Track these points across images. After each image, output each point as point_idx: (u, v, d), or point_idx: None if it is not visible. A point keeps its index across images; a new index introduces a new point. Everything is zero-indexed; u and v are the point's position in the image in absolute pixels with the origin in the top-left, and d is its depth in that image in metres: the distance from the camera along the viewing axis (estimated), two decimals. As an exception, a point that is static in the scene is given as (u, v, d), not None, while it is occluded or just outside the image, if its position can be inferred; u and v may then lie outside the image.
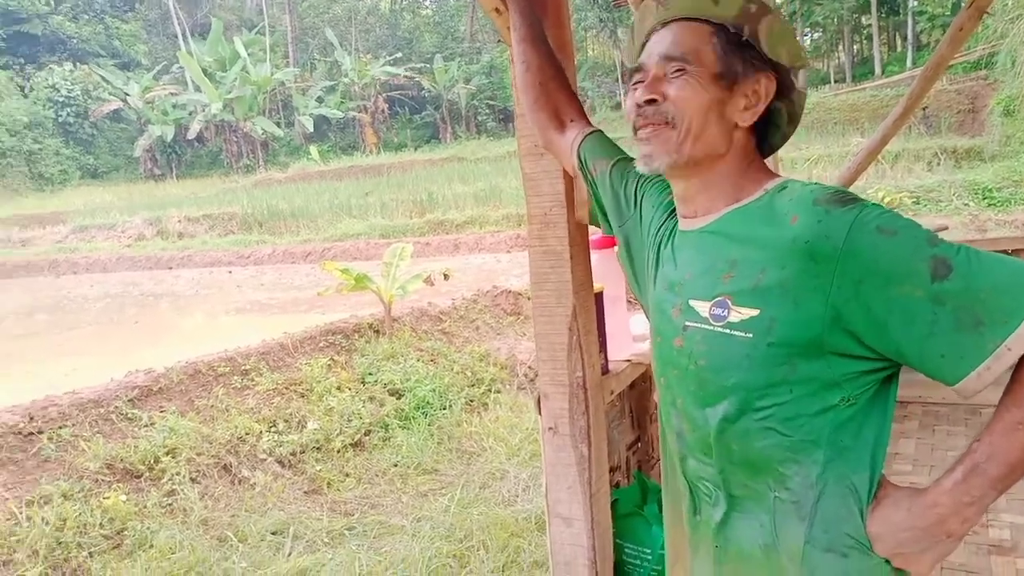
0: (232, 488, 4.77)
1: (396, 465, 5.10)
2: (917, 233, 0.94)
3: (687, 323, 1.12)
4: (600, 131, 1.51)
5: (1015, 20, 14.73)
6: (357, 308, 7.82)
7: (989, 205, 12.85)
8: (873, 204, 0.98)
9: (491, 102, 40.60)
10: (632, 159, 1.43)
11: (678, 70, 1.11)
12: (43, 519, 3.98)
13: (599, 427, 2.18)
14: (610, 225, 1.49)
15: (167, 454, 4.70)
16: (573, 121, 1.54)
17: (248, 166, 36.27)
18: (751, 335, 1.02)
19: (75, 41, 41.21)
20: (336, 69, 40.48)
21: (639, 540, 2.32)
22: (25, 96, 38.18)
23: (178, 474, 4.59)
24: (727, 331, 1.05)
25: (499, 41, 42.76)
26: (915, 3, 28.44)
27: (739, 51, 1.11)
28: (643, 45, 1.20)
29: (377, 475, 4.99)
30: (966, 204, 12.99)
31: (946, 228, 6.94)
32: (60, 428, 4.67)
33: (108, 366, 6.64)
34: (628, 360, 2.44)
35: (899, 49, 31.88)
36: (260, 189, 26.29)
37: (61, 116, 37.72)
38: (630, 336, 2.49)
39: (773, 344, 1.00)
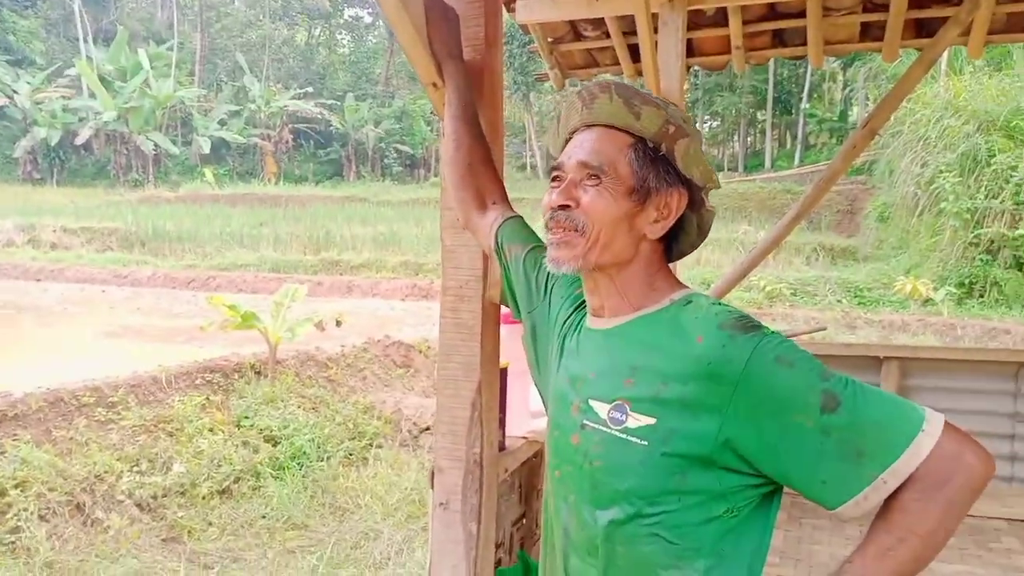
0: (84, 529, 4.43)
1: (264, 517, 4.88)
2: (812, 367, 0.99)
3: (585, 422, 1.12)
4: (519, 217, 1.53)
5: (896, 135, 16.05)
6: (239, 345, 7.52)
7: (860, 304, 13.76)
8: (773, 333, 1.03)
9: (399, 146, 40.70)
10: (543, 247, 1.42)
11: (593, 177, 1.14)
12: None
13: (490, 505, 2.15)
14: (518, 309, 1.50)
15: (16, 487, 4.33)
16: (495, 204, 1.56)
17: (137, 180, 34.76)
18: (646, 443, 1.04)
19: (-35, 30, 38.78)
20: (243, 94, 39.67)
21: (519, 622, 2.29)
22: (-102, 79, 35.45)
23: (26, 509, 4.24)
24: (624, 436, 1.07)
25: (412, 88, 43.17)
26: (807, 106, 30.64)
27: (654, 165, 1.15)
28: (566, 140, 1.23)
29: (243, 526, 4.75)
30: (839, 301, 13.86)
31: (824, 328, 7.36)
32: None
33: (-45, 383, 6.11)
34: (524, 437, 2.44)
35: (788, 146, 34.11)
36: (146, 206, 25.19)
37: (-62, 105, 35.19)
38: (528, 412, 2.50)
39: (667, 454, 1.03)
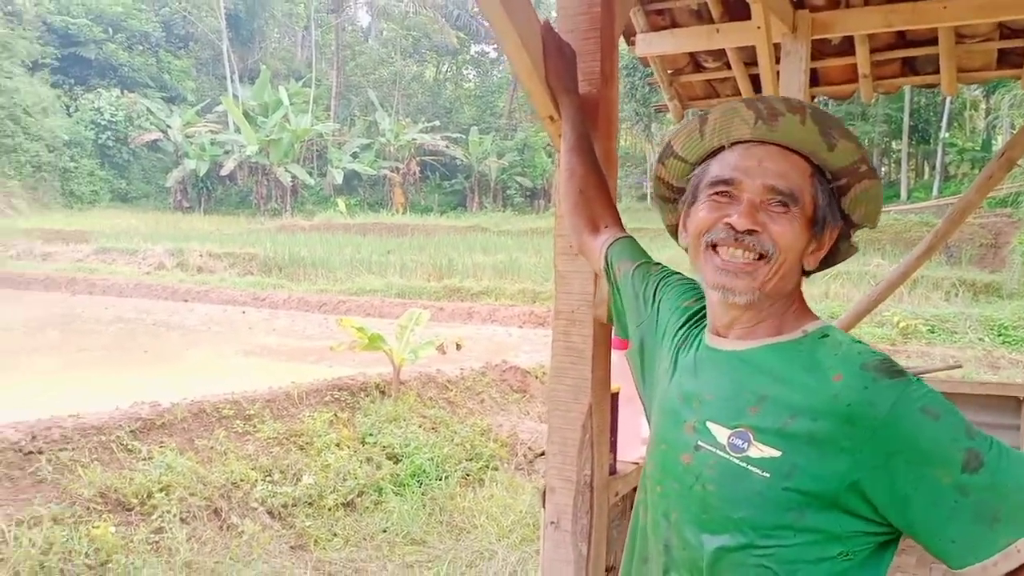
0: (220, 533, 4.74)
1: (385, 531, 5.07)
2: (957, 421, 0.97)
3: (700, 443, 1.11)
4: (630, 237, 1.58)
5: (1043, 165, 15.00)
6: (365, 365, 7.85)
7: (1004, 342, 12.84)
8: (918, 380, 1.00)
9: (520, 178, 41.33)
10: (653, 263, 1.49)
11: (782, 204, 1.10)
12: (30, 540, 3.97)
13: (601, 527, 2.19)
14: (624, 327, 1.53)
15: (161, 490, 4.70)
16: (607, 227, 1.61)
17: (275, 210, 36.83)
18: (768, 475, 1.03)
19: (126, 69, 42.47)
20: (374, 128, 41.43)
21: (626, 645, 2.29)
22: (69, 115, 39.15)
23: (169, 512, 4.59)
24: (743, 464, 1.05)
25: (534, 121, 43.76)
26: (946, 135, 29.01)
27: (828, 199, 1.12)
28: (717, 150, 1.17)
29: (365, 539, 4.96)
30: (980, 339, 12.98)
31: (960, 366, 6.95)
32: (60, 451, 4.70)
33: (113, 392, 6.70)
34: (636, 463, 2.47)
35: (926, 176, 32.39)
36: (284, 234, 26.66)
37: (101, 139, 38.60)
38: (640, 438, 2.52)
39: (789, 489, 1.01)
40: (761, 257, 1.09)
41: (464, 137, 41.25)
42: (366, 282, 17.27)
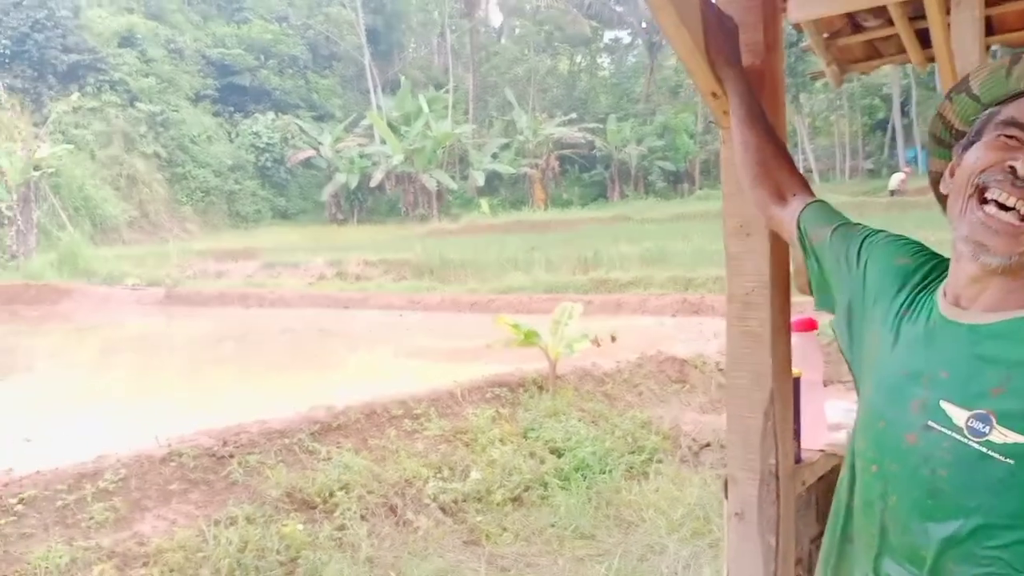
0: (397, 529, 4.92)
1: (553, 525, 5.08)
2: None
3: (931, 423, 1.03)
4: (822, 201, 1.49)
5: None
6: (521, 361, 7.92)
7: None
8: None
9: (662, 163, 40.65)
10: (853, 223, 1.41)
11: None
12: (227, 539, 4.26)
13: (788, 518, 2.09)
14: (825, 295, 1.44)
15: (341, 489, 4.93)
16: (795, 195, 1.53)
17: (423, 215, 38.08)
18: (1013, 462, 0.95)
19: (278, 93, 45.36)
20: (512, 127, 41.99)
21: (823, 641, 2.17)
22: (231, 141, 42.24)
23: (349, 510, 4.80)
24: (984, 450, 0.97)
25: (673, 103, 42.91)
26: None
27: None
28: (1019, 94, 1.08)
29: (534, 533, 5.00)
30: None
31: None
32: (248, 454, 5.03)
33: (289, 397, 7.12)
34: (821, 450, 2.34)
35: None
36: (432, 238, 27.51)
37: (260, 161, 41.38)
38: (825, 425, 2.38)
39: None
40: None
41: (602, 127, 41.03)
42: (514, 280, 17.50)
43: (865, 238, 1.34)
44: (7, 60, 36.09)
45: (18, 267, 23.34)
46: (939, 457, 1.01)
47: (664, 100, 44.96)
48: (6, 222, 25.39)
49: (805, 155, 35.48)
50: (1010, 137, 1.05)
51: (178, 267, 21.93)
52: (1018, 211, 1.00)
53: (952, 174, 1.12)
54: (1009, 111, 1.06)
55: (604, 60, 53.29)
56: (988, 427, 0.97)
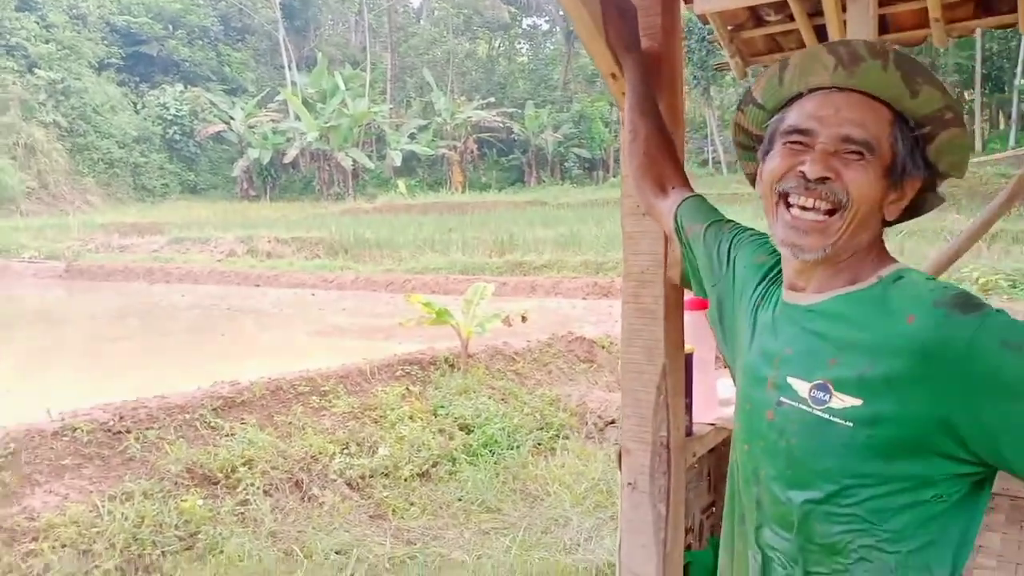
0: (302, 504, 4.90)
1: (460, 500, 5.16)
2: None
3: (782, 399, 1.11)
4: (699, 196, 1.55)
5: None
6: (433, 341, 7.96)
7: (1092, 295, 12.26)
8: (996, 312, 0.97)
9: (578, 150, 41.05)
10: (725, 220, 1.47)
11: (856, 153, 1.06)
12: (123, 515, 4.17)
13: (679, 488, 2.18)
14: (701, 286, 1.51)
15: (244, 464, 4.87)
16: (675, 188, 1.58)
17: (338, 194, 37.43)
18: (851, 424, 1.02)
19: (188, 65, 43.67)
20: (430, 108, 41.62)
21: (708, 606, 2.30)
22: (137, 112, 40.49)
23: (252, 485, 4.75)
24: (826, 416, 1.05)
25: (589, 92, 43.35)
26: (1021, 82, 27.64)
27: (910, 148, 1.08)
28: (796, 96, 1.14)
29: (441, 507, 5.05)
30: (1067, 293, 12.43)
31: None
32: (147, 429, 4.91)
33: (193, 374, 6.96)
34: (712, 424, 2.45)
35: (1002, 127, 30.95)
36: (348, 217, 27.09)
37: (168, 133, 39.86)
38: (716, 399, 2.50)
39: (873, 437, 1.01)
40: (832, 211, 1.07)
41: (520, 112, 41.11)
42: (430, 261, 17.46)
43: (734, 237, 1.41)
44: None
45: None
46: (791, 428, 1.09)
47: (581, 88, 45.33)
48: None
49: (715, 146, 36.45)
50: (794, 143, 1.10)
51: (79, 240, 20.96)
52: (819, 209, 1.07)
53: (761, 178, 1.19)
54: (789, 118, 1.13)
55: (523, 46, 53.31)
56: (828, 395, 1.05)
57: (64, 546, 3.80)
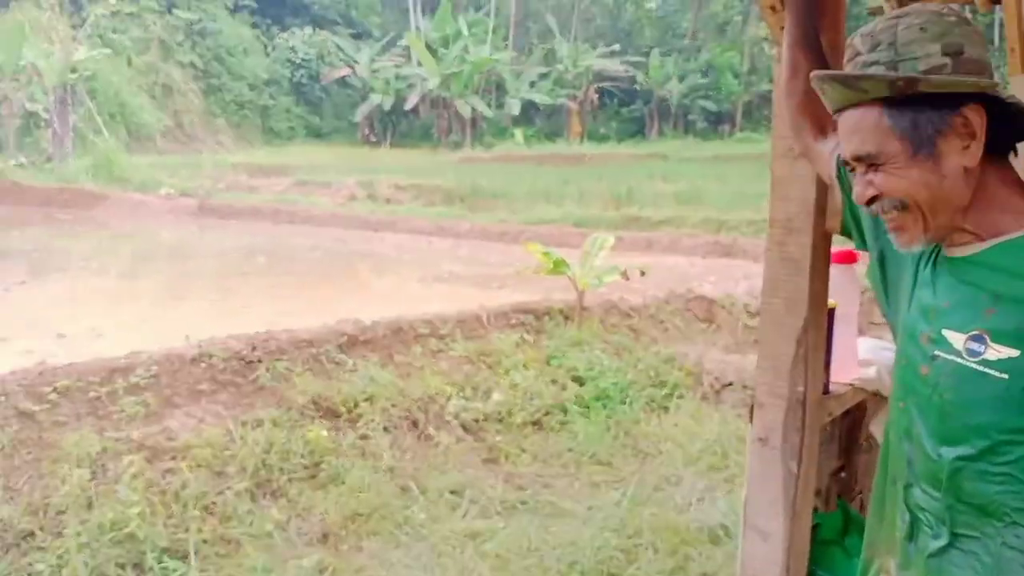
0: (418, 443, 5.03)
1: (571, 450, 5.17)
2: None
3: (937, 352, 1.10)
4: None
5: None
6: (547, 292, 7.94)
7: None
8: None
9: (704, 102, 39.74)
10: None
11: (872, 166, 1.12)
12: (253, 440, 4.38)
13: (812, 447, 2.09)
14: (862, 238, 1.45)
15: (365, 400, 5.03)
16: (836, 130, 1.51)
17: (456, 142, 37.68)
18: (1007, 376, 0.99)
19: (316, 8, 44.45)
20: (552, 56, 41.07)
21: (835, 570, 2.23)
22: (267, 55, 41.67)
23: (373, 420, 4.91)
24: (981, 368, 1.02)
25: (720, 41, 41.70)
26: None
27: (920, 110, 1.07)
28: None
29: (552, 456, 5.08)
30: None
31: None
32: (276, 360, 5.12)
33: (318, 311, 7.23)
34: (850, 384, 2.32)
35: None
36: (465, 165, 27.30)
37: (295, 77, 40.89)
38: (856, 359, 2.36)
39: None
40: (902, 207, 1.11)
41: (644, 61, 40.03)
42: (544, 212, 17.40)
43: None
44: (46, -40, 35.78)
45: (53, 170, 23.38)
46: (944, 382, 1.08)
47: (710, 37, 43.58)
48: (43, 124, 25.54)
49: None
50: (852, 170, 1.20)
51: (211, 179, 22.00)
52: (891, 219, 1.14)
53: None
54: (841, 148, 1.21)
55: (653, -9, 51.70)
56: (983, 346, 1.03)
57: (200, 466, 4.04)
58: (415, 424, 5.15)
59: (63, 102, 24.98)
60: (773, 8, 1.87)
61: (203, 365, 4.82)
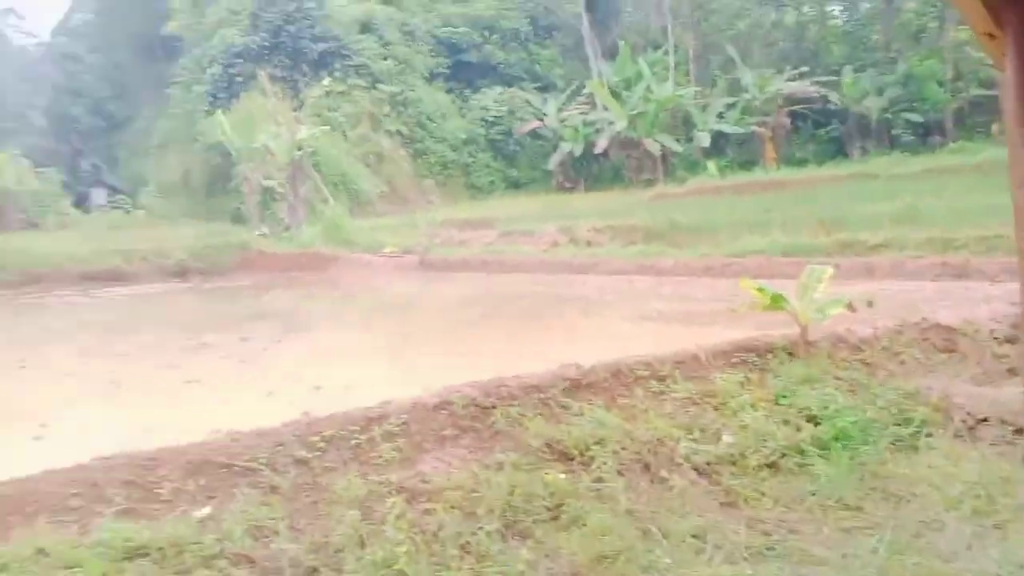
0: (651, 486, 5.01)
1: (814, 494, 4.93)
2: None
3: None
4: None
5: None
6: (761, 327, 7.69)
7: None
8: None
9: (908, 115, 37.03)
10: None
11: None
12: (498, 483, 4.57)
13: None
14: None
15: (596, 443, 5.10)
16: None
17: (648, 180, 37.64)
18: None
19: (503, 67, 46.97)
20: (736, 85, 40.16)
21: None
22: (463, 116, 44.46)
23: (605, 463, 4.96)
24: None
25: (917, 50, 38.92)
26: None
27: None
28: None
29: (794, 500, 4.87)
30: None
31: None
32: (509, 406, 5.34)
33: (537, 355, 7.46)
34: None
35: None
36: (659, 202, 27.17)
37: (490, 134, 43.32)
38: None
39: None
40: None
41: (836, 79, 38.08)
42: (748, 243, 16.85)
43: None
44: (267, 52, 40.34)
45: (291, 238, 26.52)
46: None
47: (905, 47, 40.75)
48: (278, 197, 28.65)
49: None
50: None
51: (425, 236, 23.45)
52: None
53: None
54: None
55: (835, 8, 49.12)
56: None
57: (453, 507, 4.28)
58: (647, 467, 5.14)
59: (293, 176, 27.95)
60: (991, 35, 1.77)
61: (445, 412, 5.12)
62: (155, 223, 32.89)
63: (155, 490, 4.26)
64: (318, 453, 4.59)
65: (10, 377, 9.12)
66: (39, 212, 35.56)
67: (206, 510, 4.11)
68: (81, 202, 46.15)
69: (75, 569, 3.57)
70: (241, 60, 40.02)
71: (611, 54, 43.87)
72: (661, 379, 6.17)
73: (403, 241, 23.41)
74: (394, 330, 12.00)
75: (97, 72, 58.44)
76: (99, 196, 50.54)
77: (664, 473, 5.09)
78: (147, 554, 3.72)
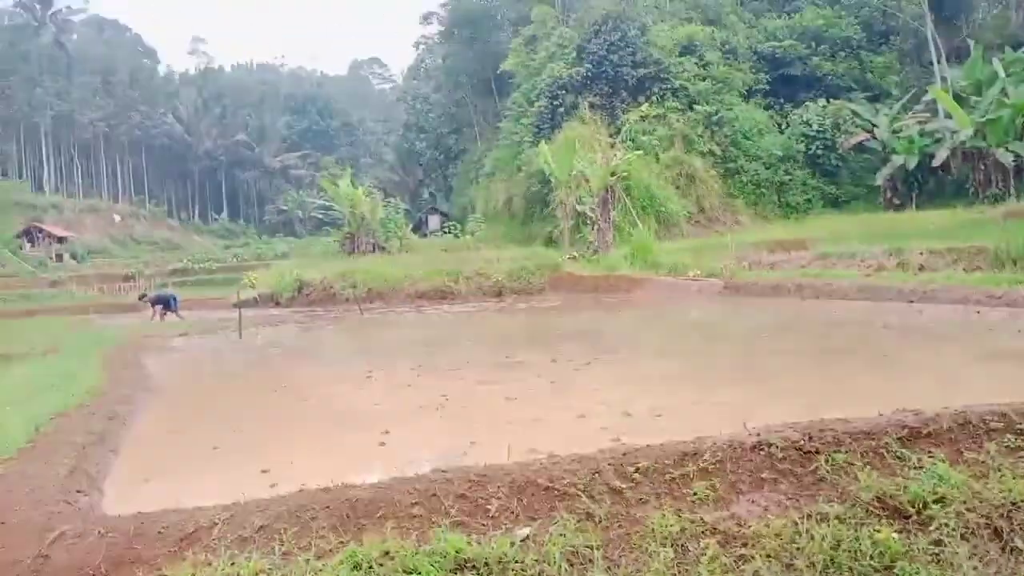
0: (1002, 555, 4.43)
1: None
2: None
3: None
4: None
5: None
6: None
7: None
8: None
9: None
10: None
11: None
12: (820, 535, 4.33)
13: None
14: None
15: (936, 501, 4.62)
16: None
17: (996, 195, 33.14)
18: None
19: (830, 78, 44.52)
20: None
21: None
22: (781, 132, 42.78)
23: (947, 525, 4.47)
24: None
25: None
26: None
27: None
28: None
29: None
30: None
31: None
32: (835, 452, 5.03)
33: (860, 395, 6.94)
34: None
35: None
36: (1012, 221, 23.73)
37: (810, 149, 41.11)
38: None
39: None
40: None
41: None
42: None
43: None
44: (589, 82, 42.28)
45: (599, 260, 27.59)
46: None
47: None
48: (588, 222, 29.90)
49: None
50: None
51: (733, 259, 22.93)
52: None
53: None
54: None
55: None
56: None
57: (769, 556, 4.15)
58: (998, 533, 4.55)
59: (605, 201, 29.07)
60: None
61: (763, 452, 4.98)
62: (479, 246, 35.89)
63: (484, 506, 4.58)
64: (632, 484, 4.70)
65: (360, 386, 10.43)
66: (385, 236, 40.68)
67: (527, 530, 4.38)
68: (419, 227, 52.41)
69: (413, 574, 3.98)
70: (565, 91, 42.47)
71: (958, 57, 39.50)
72: (1019, 433, 5.41)
73: (708, 263, 23.04)
74: (699, 356, 11.84)
75: (439, 110, 65.82)
76: (434, 222, 57.07)
77: (1019, 543, 4.47)
78: (474, 567, 4.03)
